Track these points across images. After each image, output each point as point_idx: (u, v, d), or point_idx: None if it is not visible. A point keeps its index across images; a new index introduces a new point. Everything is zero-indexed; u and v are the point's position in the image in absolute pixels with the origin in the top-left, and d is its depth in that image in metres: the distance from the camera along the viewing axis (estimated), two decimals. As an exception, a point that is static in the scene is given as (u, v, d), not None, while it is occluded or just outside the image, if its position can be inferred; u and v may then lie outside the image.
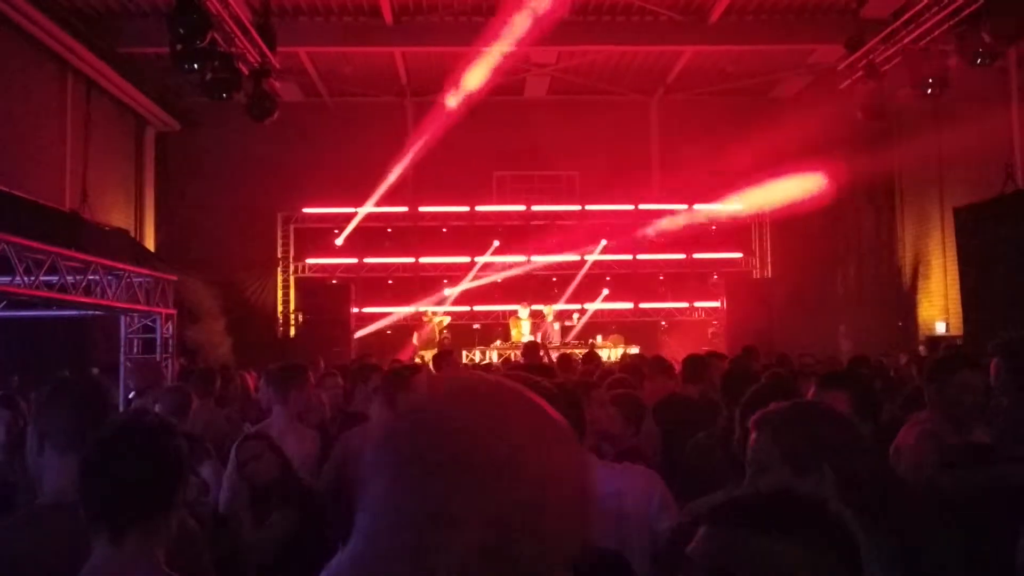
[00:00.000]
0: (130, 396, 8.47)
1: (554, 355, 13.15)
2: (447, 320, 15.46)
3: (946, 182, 15.29)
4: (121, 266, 9.36)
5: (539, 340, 13.98)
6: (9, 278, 7.61)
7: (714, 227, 17.02)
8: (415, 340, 15.24)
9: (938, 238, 15.56)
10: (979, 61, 9.64)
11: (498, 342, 15.01)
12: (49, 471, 2.29)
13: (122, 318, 9.82)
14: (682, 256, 16.88)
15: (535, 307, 15.06)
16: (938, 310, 15.62)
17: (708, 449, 3.44)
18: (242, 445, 3.74)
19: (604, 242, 16.69)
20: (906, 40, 10.91)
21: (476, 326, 15.94)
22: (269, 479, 3.59)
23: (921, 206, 16.33)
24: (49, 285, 8.14)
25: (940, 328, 15.36)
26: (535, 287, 16.39)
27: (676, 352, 11.60)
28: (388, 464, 0.89)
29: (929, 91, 10.86)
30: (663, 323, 17.06)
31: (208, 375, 6.43)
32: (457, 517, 0.84)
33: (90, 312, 9.58)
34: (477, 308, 16.59)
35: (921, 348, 13.69)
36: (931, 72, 10.72)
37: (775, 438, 1.88)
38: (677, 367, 5.89)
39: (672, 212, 16.60)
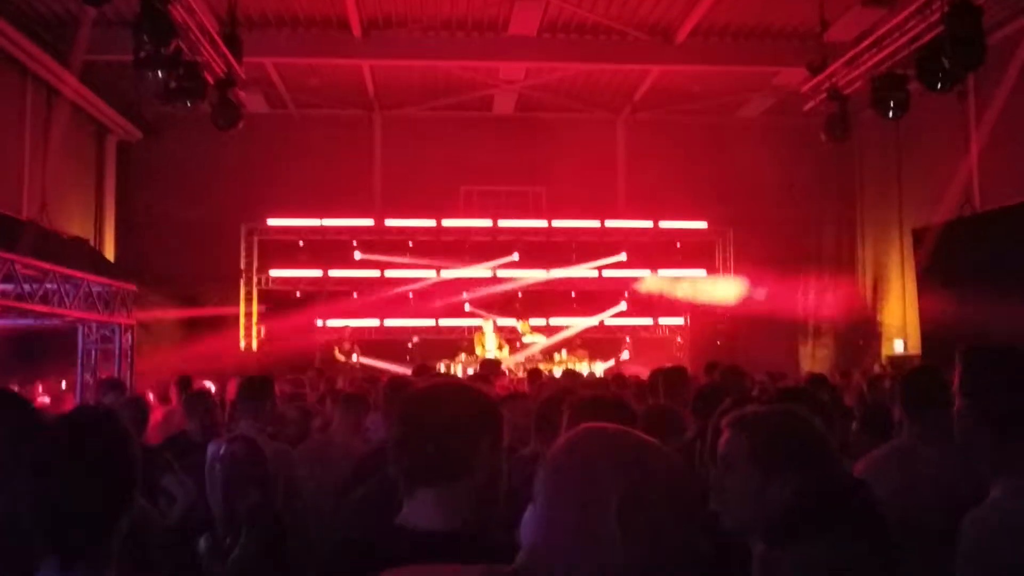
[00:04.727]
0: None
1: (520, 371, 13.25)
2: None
3: (905, 203, 15.59)
4: (79, 274, 9.19)
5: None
6: (-38, 286, 7.44)
7: (678, 244, 17.16)
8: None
9: (897, 258, 15.84)
10: (939, 86, 9.81)
11: (463, 356, 14.99)
12: None
13: (80, 328, 9.63)
14: (647, 272, 16.96)
15: (506, 322, 15.09)
16: (896, 329, 15.88)
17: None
18: (232, 447, 3.31)
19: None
20: (868, 64, 11.10)
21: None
22: (251, 490, 3.18)
23: (881, 226, 16.62)
24: (4, 293, 7.96)
25: (898, 346, 15.63)
26: (500, 302, 16.37)
27: (639, 369, 11.65)
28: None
29: (890, 114, 11.04)
30: (627, 339, 17.13)
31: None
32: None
33: (47, 321, 9.38)
34: (443, 323, 16.53)
35: (876, 367, 13.90)
36: (892, 96, 10.90)
37: (749, 438, 1.89)
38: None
39: (637, 229, 16.72)
